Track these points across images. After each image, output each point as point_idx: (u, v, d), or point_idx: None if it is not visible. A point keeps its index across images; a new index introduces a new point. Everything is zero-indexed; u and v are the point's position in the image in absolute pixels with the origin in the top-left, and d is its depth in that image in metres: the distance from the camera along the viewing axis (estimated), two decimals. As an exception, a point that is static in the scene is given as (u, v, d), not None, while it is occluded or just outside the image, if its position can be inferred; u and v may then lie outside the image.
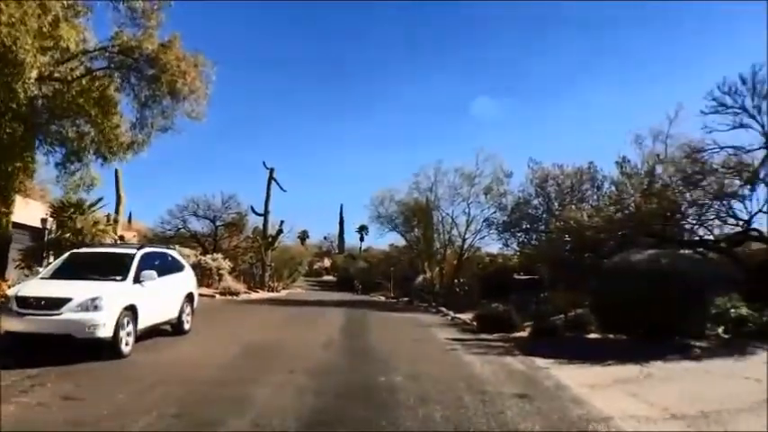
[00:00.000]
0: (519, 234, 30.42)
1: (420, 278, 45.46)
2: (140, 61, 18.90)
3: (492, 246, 41.48)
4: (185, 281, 15.46)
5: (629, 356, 11.91)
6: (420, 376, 9.98)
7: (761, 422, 6.63)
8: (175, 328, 14.46)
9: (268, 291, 42.81)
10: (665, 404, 7.72)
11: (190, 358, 11.60)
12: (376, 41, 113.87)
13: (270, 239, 47.41)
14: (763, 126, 21.26)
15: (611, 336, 15.67)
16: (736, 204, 22.00)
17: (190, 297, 15.32)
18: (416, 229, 47.39)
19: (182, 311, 14.61)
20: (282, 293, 44.43)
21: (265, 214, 47.65)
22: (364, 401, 8.08)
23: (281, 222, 49.74)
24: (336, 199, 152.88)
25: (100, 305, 10.72)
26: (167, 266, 14.43)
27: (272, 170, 47.87)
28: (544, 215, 27.93)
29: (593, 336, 16.49)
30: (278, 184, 48.22)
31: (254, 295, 36.86)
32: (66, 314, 10.50)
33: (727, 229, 22.66)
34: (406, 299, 42.15)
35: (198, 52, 19.65)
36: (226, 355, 11.72)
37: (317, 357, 12.12)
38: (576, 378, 9.98)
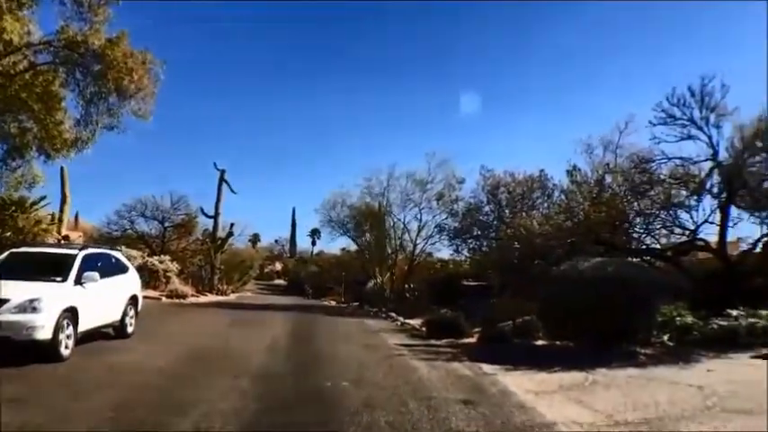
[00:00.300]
0: (470, 240, 30.47)
1: (371, 283, 45.28)
2: (86, 57, 18.50)
3: (443, 252, 41.53)
4: (129, 283, 15.11)
5: (575, 363, 11.96)
6: (366, 381, 9.91)
7: (702, 429, 6.66)
8: (118, 331, 14.13)
9: (217, 294, 42.21)
10: (608, 411, 7.74)
11: (131, 362, 11.28)
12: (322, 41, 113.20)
13: (219, 242, 46.84)
14: (710, 138, 21.70)
15: (559, 342, 15.80)
16: (683, 214, 22.46)
17: (134, 299, 14.99)
18: (368, 234, 47.19)
19: (125, 314, 14.29)
20: (232, 297, 43.83)
21: (215, 216, 47.08)
22: (308, 407, 7.98)
23: (231, 225, 49.13)
24: (289, 202, 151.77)
25: (39, 307, 10.40)
26: (110, 268, 14.09)
27: (222, 171, 47.36)
28: (495, 222, 28.04)
29: (540, 342, 16.62)
30: (228, 185, 47.73)
31: (202, 298, 36.31)
32: (4, 315, 10.15)
33: (674, 239, 23.09)
34: (356, 303, 42.06)
35: (146, 50, 19.33)
36: (169, 359, 11.45)
37: (263, 362, 11.95)
38: (521, 384, 9.99)
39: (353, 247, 52.83)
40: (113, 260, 14.79)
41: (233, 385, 9.13)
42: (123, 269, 15.11)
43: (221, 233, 47.63)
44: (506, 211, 27.58)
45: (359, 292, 45.86)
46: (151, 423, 6.73)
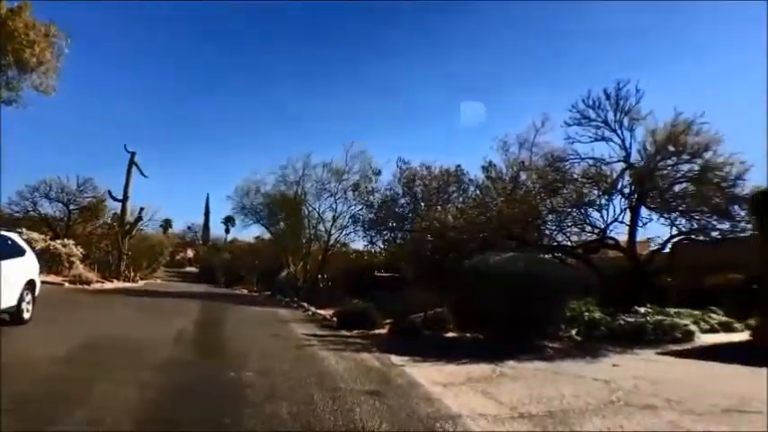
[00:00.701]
0: (385, 232, 30.39)
1: (284, 272, 44.80)
2: (-16, 27, 17.39)
3: (358, 243, 41.34)
4: (26, 267, 14.20)
5: (484, 355, 11.95)
6: (272, 372, 9.57)
7: (605, 423, 6.63)
8: (14, 317, 13.18)
9: (124, 280, 41.06)
10: (514, 403, 7.67)
11: (27, 350, 10.55)
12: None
13: (128, 227, 45.46)
14: (623, 140, 22.31)
15: (469, 335, 15.83)
16: (594, 213, 23.03)
17: (31, 284, 14.07)
18: (282, 223, 46.59)
19: (21, 299, 13.35)
20: (140, 284, 42.69)
21: (124, 200, 45.71)
22: (210, 398, 7.58)
23: (141, 209, 47.82)
24: (203, 188, 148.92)
25: None
26: (5, 250, 13.21)
27: (133, 154, 46.09)
28: (410, 215, 28.02)
29: (451, 334, 16.62)
30: (139, 168, 46.49)
31: (107, 285, 35.19)
32: None
33: (585, 236, 23.59)
34: (268, 293, 41.59)
35: (51, 22, 18.36)
36: (67, 348, 10.74)
37: (166, 352, 11.39)
38: (429, 376, 9.85)
39: (267, 235, 52.11)
40: (9, 242, 13.89)
41: (132, 375, 8.62)
42: (20, 252, 14.20)
43: (130, 218, 46.20)
44: (422, 204, 27.61)
45: (272, 281, 45.37)
46: (44, 413, 6.20)
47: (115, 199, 45.88)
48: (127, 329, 14.67)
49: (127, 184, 45.73)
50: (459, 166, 28.33)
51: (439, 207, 25.96)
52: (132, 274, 44.88)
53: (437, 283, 19.52)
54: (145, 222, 50.04)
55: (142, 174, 46.90)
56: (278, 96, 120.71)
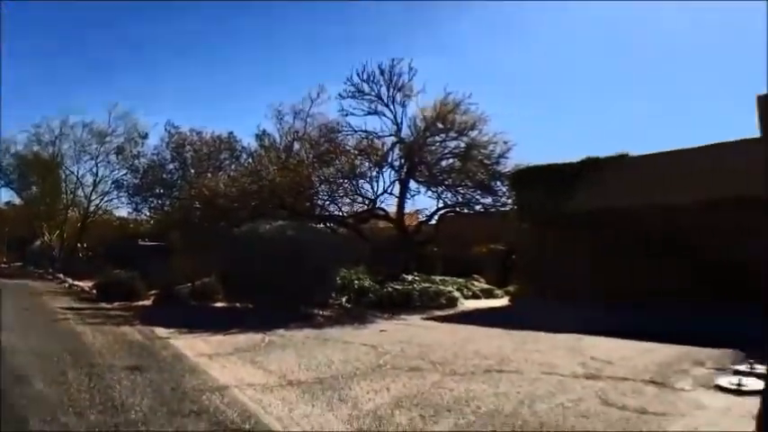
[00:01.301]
0: (151, 199, 29.04)
1: (38, 242, 41.37)
2: None
3: (123, 210, 38.93)
4: None
5: (253, 325, 11.82)
6: (21, 350, 8.78)
7: (372, 386, 6.64)
8: None
9: None
10: (283, 371, 7.53)
11: None
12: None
13: None
14: (395, 115, 22.97)
15: (239, 305, 15.61)
16: (365, 185, 23.60)
17: None
18: (35, 187, 42.37)
19: None
20: None
21: None
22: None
23: None
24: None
25: None
26: None
27: None
28: (179, 181, 27.01)
29: (220, 304, 16.41)
30: None
31: None
32: None
33: (357, 207, 24.09)
34: (19, 264, 38.33)
35: None
36: None
37: None
38: (196, 347, 9.49)
39: (19, 200, 47.37)
40: None
41: None
42: None
43: None
44: (192, 170, 26.71)
45: (23, 251, 41.82)
46: None
47: None
48: None
49: None
50: (231, 133, 27.80)
51: (210, 174, 25.26)
52: None
53: (206, 252, 18.94)
54: None
55: None
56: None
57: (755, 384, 6.33)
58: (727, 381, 6.58)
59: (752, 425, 4.98)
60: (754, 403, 5.61)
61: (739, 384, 6.34)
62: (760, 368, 7.04)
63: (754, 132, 13.57)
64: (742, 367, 7.26)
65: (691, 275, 14.12)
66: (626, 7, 55.63)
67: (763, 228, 12.61)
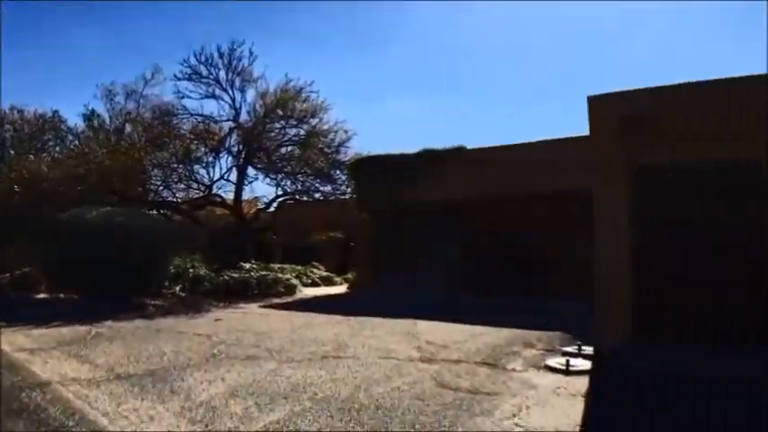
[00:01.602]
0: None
1: None
2: None
3: None
4: None
5: (78, 317, 11.29)
6: None
7: (205, 377, 6.47)
8: None
9: None
10: (110, 364, 7.16)
11: None
12: None
13: None
14: (233, 100, 22.58)
15: (63, 295, 14.77)
16: (201, 170, 23.04)
17: None
18: None
19: None
20: None
21: None
22: None
23: None
24: None
25: None
26: None
27: None
28: (-3, 163, 25.05)
29: (43, 295, 15.43)
30: None
31: None
32: None
33: (192, 193, 23.46)
34: None
35: None
36: None
37: None
38: (15, 342, 8.86)
39: None
40: None
41: None
42: None
43: None
44: (11, 151, 24.86)
45: None
46: None
47: None
48: None
49: None
50: (56, 111, 26.09)
51: (32, 156, 23.61)
52: None
53: (26, 241, 17.73)
54: None
55: None
56: None
57: (583, 365, 6.77)
58: (555, 361, 6.98)
59: (581, 402, 5.33)
60: (583, 382, 6.01)
61: (568, 364, 6.73)
62: (587, 349, 7.53)
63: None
64: (570, 348, 7.74)
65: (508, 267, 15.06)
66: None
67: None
